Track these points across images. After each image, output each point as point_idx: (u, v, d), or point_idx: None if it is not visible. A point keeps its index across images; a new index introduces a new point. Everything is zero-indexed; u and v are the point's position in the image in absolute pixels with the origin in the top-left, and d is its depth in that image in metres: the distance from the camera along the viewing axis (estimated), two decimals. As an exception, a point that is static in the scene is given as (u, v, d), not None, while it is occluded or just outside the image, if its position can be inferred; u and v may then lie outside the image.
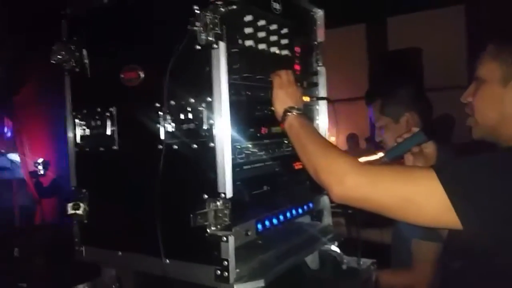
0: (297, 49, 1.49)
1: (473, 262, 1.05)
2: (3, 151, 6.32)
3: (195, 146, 1.13)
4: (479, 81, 1.17)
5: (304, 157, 1.19)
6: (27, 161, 6.13)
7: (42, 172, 5.70)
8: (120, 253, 1.30)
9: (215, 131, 1.09)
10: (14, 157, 6.32)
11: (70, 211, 1.37)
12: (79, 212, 1.37)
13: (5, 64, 5.18)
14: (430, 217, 1.00)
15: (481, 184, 0.95)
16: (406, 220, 1.05)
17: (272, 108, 1.36)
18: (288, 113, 1.24)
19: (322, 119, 1.59)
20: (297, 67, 1.48)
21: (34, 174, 5.82)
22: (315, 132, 1.26)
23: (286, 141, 1.42)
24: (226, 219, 1.08)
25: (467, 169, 0.99)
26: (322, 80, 1.60)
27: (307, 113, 1.42)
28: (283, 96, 1.26)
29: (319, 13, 1.61)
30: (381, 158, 1.37)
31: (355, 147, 6.80)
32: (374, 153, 1.46)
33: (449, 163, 1.06)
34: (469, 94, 1.21)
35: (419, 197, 0.98)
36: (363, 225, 2.30)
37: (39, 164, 5.72)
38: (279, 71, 1.30)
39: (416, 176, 1.01)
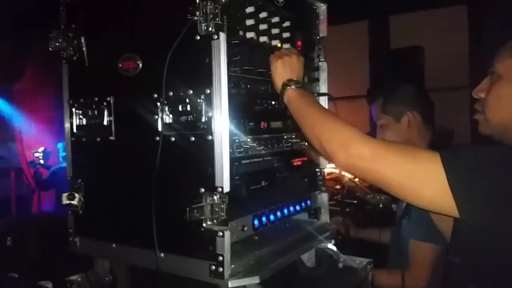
0: (299, 43, 1.47)
1: (471, 255, 1.04)
2: (1, 140, 6.29)
3: (193, 138, 1.11)
4: (495, 77, 1.13)
5: (307, 128, 1.17)
6: (26, 150, 6.09)
7: (42, 161, 5.65)
8: (114, 245, 1.28)
9: (213, 124, 1.07)
10: (13, 146, 6.29)
11: (65, 201, 1.35)
12: (74, 202, 1.35)
13: (4, 52, 5.14)
14: (428, 198, 0.98)
15: (484, 175, 0.93)
16: (404, 197, 1.03)
17: (273, 102, 1.35)
18: (287, 87, 1.22)
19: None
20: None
21: (33, 163, 5.78)
22: (316, 103, 1.24)
23: (285, 137, 1.40)
24: (222, 214, 1.07)
25: (472, 158, 0.96)
26: (323, 76, 1.58)
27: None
28: (281, 68, 1.24)
29: (322, 8, 1.59)
30: None
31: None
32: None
33: (456, 150, 1.04)
34: (482, 90, 1.16)
35: (420, 176, 0.97)
36: (362, 224, 2.30)
37: (39, 153, 5.66)
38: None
39: (420, 156, 0.99)
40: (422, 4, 4.87)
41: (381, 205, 2.11)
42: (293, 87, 1.22)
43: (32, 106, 6.19)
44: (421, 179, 0.97)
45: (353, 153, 1.04)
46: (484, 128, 1.17)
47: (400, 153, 1.01)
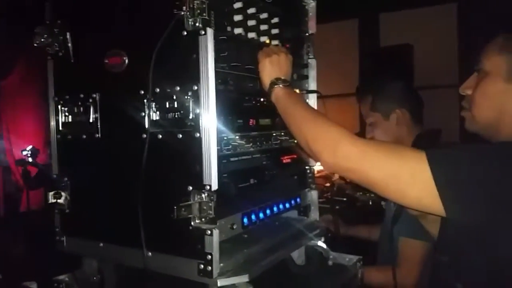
0: (287, 40, 1.46)
1: (458, 254, 1.04)
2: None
3: (180, 136, 1.09)
4: (482, 74, 1.12)
5: (294, 127, 1.17)
6: (14, 148, 6.00)
7: (30, 159, 5.57)
8: (101, 244, 1.26)
9: (201, 121, 1.06)
10: (0, 144, 6.19)
11: (51, 200, 1.33)
12: (61, 201, 1.33)
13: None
14: (414, 198, 0.97)
15: (470, 174, 0.92)
16: (390, 197, 1.03)
17: (261, 100, 1.34)
18: (275, 86, 1.22)
19: (312, 113, 1.57)
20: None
21: (21, 162, 5.70)
22: (304, 103, 1.23)
23: (274, 134, 1.39)
24: (210, 212, 1.05)
25: (459, 157, 0.96)
26: (312, 73, 1.58)
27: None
28: (269, 66, 1.23)
29: (311, 4, 1.58)
30: None
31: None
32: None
33: (442, 149, 1.04)
34: (469, 87, 1.16)
35: (405, 176, 0.96)
36: (352, 222, 2.30)
37: (27, 151, 5.59)
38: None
39: (406, 155, 0.99)
40: (412, 2, 4.89)
41: (370, 203, 2.12)
42: (280, 85, 1.21)
43: (20, 103, 6.10)
44: (406, 179, 0.96)
45: (339, 154, 1.03)
46: (471, 125, 1.16)
47: (385, 152, 1.00)
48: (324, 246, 1.44)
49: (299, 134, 1.15)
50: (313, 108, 1.24)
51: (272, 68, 1.23)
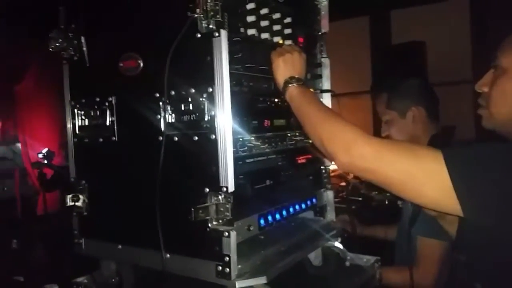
0: (301, 39, 1.46)
1: (476, 253, 1.03)
2: (5, 140, 6.29)
3: (196, 138, 1.10)
4: (499, 71, 1.10)
5: (308, 127, 1.17)
6: (30, 151, 6.09)
7: (45, 162, 5.66)
8: (120, 246, 1.27)
9: (216, 123, 1.06)
10: (17, 147, 6.28)
11: (70, 203, 1.35)
12: (79, 204, 1.35)
13: (5, 52, 5.13)
14: (430, 197, 0.96)
15: (487, 174, 0.91)
16: (406, 197, 1.02)
17: (276, 100, 1.33)
18: (289, 85, 1.21)
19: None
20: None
21: (37, 164, 5.78)
22: (318, 101, 1.23)
23: (289, 134, 1.38)
24: (227, 214, 1.05)
25: (476, 156, 0.94)
26: (326, 72, 1.56)
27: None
28: (283, 65, 1.23)
29: (324, 3, 1.57)
30: None
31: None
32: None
33: (458, 148, 1.02)
34: (485, 84, 1.13)
35: (422, 175, 0.95)
36: (367, 221, 2.28)
37: (43, 154, 5.67)
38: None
39: (422, 154, 0.97)
40: (424, -2, 4.84)
41: (386, 202, 2.10)
42: (295, 84, 1.21)
43: (34, 106, 6.19)
44: (422, 178, 0.95)
45: (354, 154, 1.02)
46: (488, 123, 1.14)
47: (401, 152, 0.99)
48: (341, 247, 1.43)
49: (314, 134, 1.15)
50: (327, 107, 1.23)
51: (285, 67, 1.23)
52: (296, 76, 1.22)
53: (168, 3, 1.16)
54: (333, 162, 1.57)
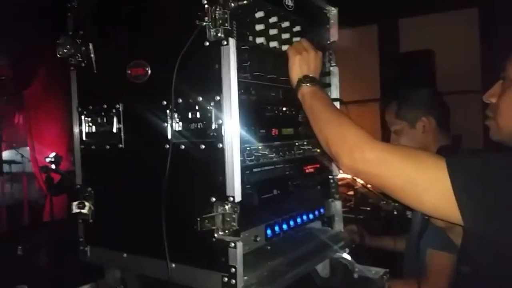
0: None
1: (479, 265, 1.01)
2: (14, 145, 6.35)
3: (203, 146, 1.09)
4: (507, 82, 1.09)
5: (316, 127, 1.17)
6: (38, 155, 6.13)
7: (53, 166, 5.69)
8: (125, 255, 1.26)
9: (223, 131, 1.05)
10: (25, 151, 6.34)
11: (75, 210, 1.34)
12: (84, 211, 1.34)
13: (14, 57, 5.19)
14: (431, 204, 0.96)
15: (490, 184, 0.90)
16: (407, 202, 1.01)
17: (284, 109, 1.32)
18: (302, 83, 1.21)
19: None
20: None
21: (45, 168, 5.81)
22: (328, 103, 1.22)
23: (297, 143, 1.37)
24: (234, 224, 1.04)
25: (479, 166, 0.93)
26: (335, 81, 1.55)
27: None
28: (299, 63, 1.23)
29: (333, 12, 1.56)
30: None
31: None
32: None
33: (461, 156, 1.01)
34: (493, 95, 1.13)
35: (423, 182, 0.95)
36: (376, 231, 2.25)
37: (50, 158, 5.70)
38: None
39: (425, 161, 0.97)
40: (432, 7, 4.82)
41: (395, 212, 2.07)
42: (307, 84, 1.21)
43: (43, 111, 6.24)
44: (423, 184, 0.95)
45: (358, 157, 1.03)
46: (495, 134, 1.14)
47: (404, 158, 0.99)
48: (349, 258, 1.41)
49: (321, 134, 1.16)
50: (337, 109, 1.23)
51: (301, 65, 1.23)
52: (311, 75, 1.22)
53: (176, 11, 1.15)
54: (341, 171, 1.56)
